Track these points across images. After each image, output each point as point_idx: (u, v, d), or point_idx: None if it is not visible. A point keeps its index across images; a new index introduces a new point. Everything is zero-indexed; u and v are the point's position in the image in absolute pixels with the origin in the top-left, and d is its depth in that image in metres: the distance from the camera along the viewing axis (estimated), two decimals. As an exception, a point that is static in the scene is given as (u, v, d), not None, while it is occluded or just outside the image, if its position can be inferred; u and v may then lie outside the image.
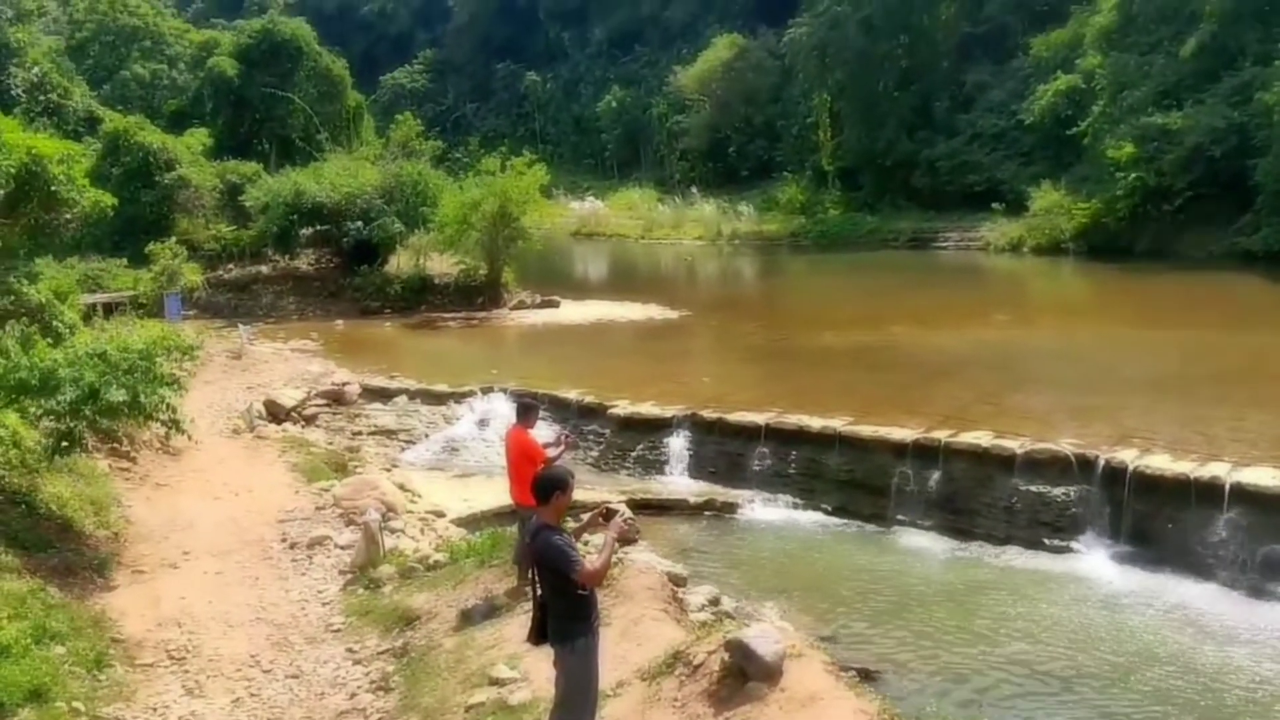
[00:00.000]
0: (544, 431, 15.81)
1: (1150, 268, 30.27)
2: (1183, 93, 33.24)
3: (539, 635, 6.22)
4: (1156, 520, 12.19)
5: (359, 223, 27.48)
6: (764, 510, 14.44)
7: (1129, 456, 12.65)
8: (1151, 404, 15.40)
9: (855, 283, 33.64)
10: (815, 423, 14.99)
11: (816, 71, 48.94)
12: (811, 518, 14.19)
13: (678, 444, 15.95)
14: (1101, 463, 12.74)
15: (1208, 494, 11.78)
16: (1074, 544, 12.57)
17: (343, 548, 11.50)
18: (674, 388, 17.81)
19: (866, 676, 9.09)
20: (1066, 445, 13.21)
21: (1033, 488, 13.06)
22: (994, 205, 39.37)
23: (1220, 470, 11.93)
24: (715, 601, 10.30)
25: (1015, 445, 13.41)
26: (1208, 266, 29.26)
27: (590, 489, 14.44)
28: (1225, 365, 17.84)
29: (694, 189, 53.17)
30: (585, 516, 6.85)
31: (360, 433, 17.55)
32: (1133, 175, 32.08)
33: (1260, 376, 16.84)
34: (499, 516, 12.70)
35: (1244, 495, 11.53)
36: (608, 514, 6.45)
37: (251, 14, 48.80)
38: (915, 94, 46.59)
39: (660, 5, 67.61)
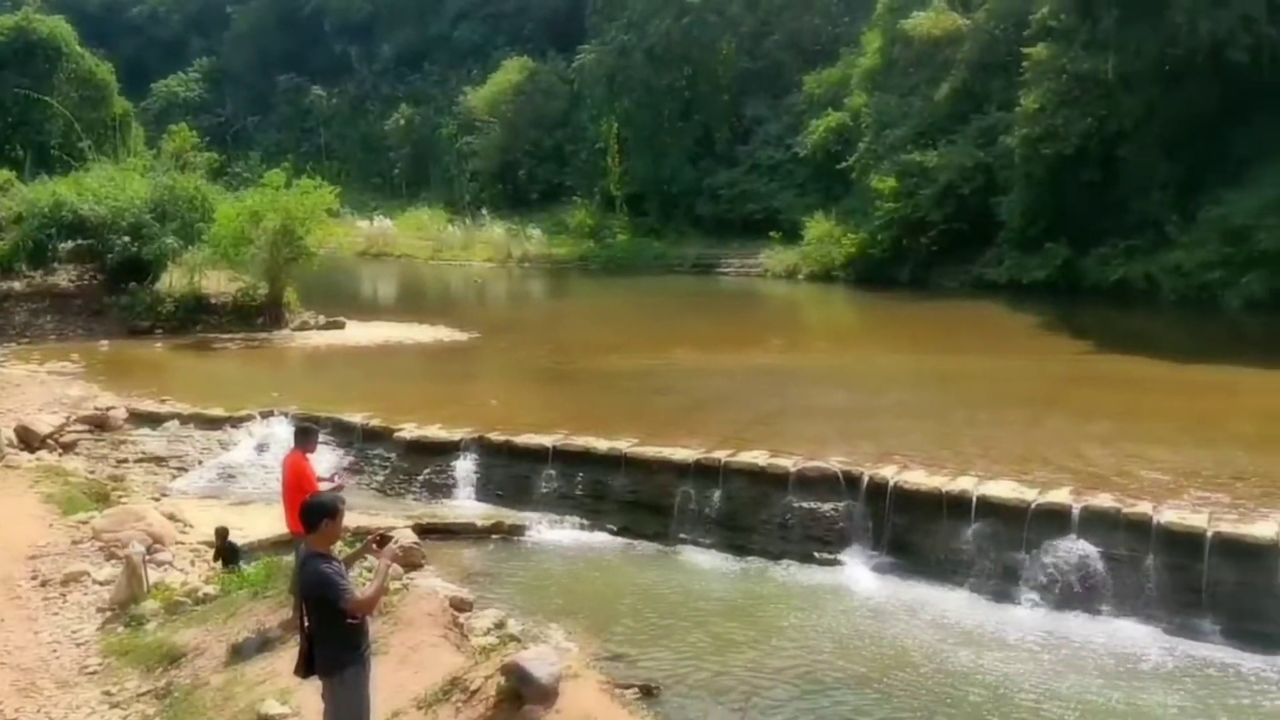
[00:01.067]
0: (327, 456, 15.54)
1: (910, 296, 32.36)
2: (937, 133, 35.71)
3: (307, 667, 6.07)
4: (914, 532, 13.04)
5: (126, 238, 26.07)
6: (551, 532, 14.56)
7: (890, 473, 13.48)
8: (911, 424, 16.43)
9: (642, 307, 34.39)
10: (601, 444, 15.24)
11: (604, 98, 49.87)
12: (598, 538, 14.42)
13: (465, 467, 15.88)
14: (865, 479, 13.52)
15: (957, 506, 12.70)
16: (841, 556, 13.28)
17: (102, 584, 10.91)
18: (462, 410, 17.73)
19: (647, 693, 9.38)
20: (835, 463, 13.94)
21: (805, 504, 13.70)
22: (772, 234, 41.14)
23: (968, 484, 12.90)
24: (501, 625, 10.37)
25: (789, 464, 14.04)
26: (959, 295, 31.56)
27: (375, 514, 14.23)
28: (974, 388, 19.27)
29: (484, 211, 53.05)
30: (368, 539, 6.80)
31: (126, 460, 16.66)
32: (893, 208, 34.22)
33: (1004, 398, 18.27)
34: (277, 545, 12.33)
35: (989, 507, 12.50)
36: (382, 540, 6.37)
37: (3, 9, 45.49)
38: (698, 124, 48.14)
39: (449, 25, 67.09)
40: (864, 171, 37.54)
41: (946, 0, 37.92)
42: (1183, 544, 11.27)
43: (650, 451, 14.91)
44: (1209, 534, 11.13)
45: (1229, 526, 11.18)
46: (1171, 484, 12.68)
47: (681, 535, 14.16)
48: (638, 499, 14.66)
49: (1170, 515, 11.53)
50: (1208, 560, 11.07)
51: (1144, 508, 11.75)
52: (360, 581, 5.96)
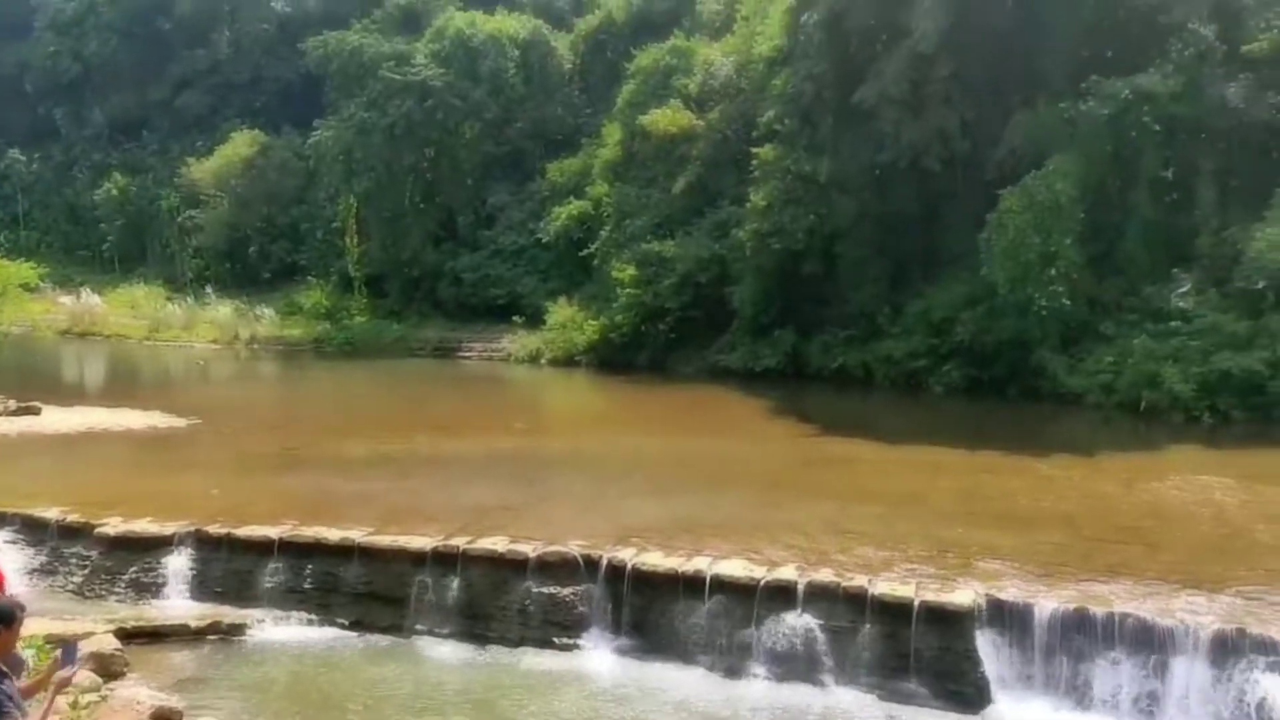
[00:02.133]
0: (13, 556, 14.29)
1: (649, 381, 33.37)
2: (675, 224, 37.26)
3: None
4: (652, 613, 13.36)
5: None
6: (276, 630, 13.93)
7: (628, 555, 13.77)
8: (649, 506, 16.86)
9: (379, 391, 33.74)
10: (333, 534, 14.78)
11: (343, 176, 49.03)
12: (328, 634, 13.92)
13: (179, 563, 14.91)
14: (604, 562, 13.76)
15: (692, 586, 13.14)
16: (581, 641, 13.42)
17: None
18: (177, 502, 16.63)
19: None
20: (575, 547, 14.10)
21: (545, 589, 13.77)
22: (515, 318, 41.53)
23: (703, 564, 13.37)
24: (217, 733, 9.82)
25: (529, 549, 14.09)
26: (696, 380, 32.81)
27: (71, 619, 13.14)
28: (709, 470, 20.02)
29: (209, 289, 50.67)
30: (58, 653, 6.21)
31: None
32: (634, 295, 35.34)
33: (736, 479, 19.10)
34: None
35: (721, 585, 13.01)
36: (64, 652, 5.87)
37: None
38: (441, 207, 48.12)
39: (171, 92, 63.38)
40: (605, 259, 38.60)
41: (682, 99, 39.89)
42: (894, 613, 12.13)
43: (385, 540, 14.60)
44: (916, 603, 12.04)
45: (933, 595, 12.13)
46: (885, 558, 13.60)
47: (418, 626, 13.91)
48: (372, 590, 14.29)
49: (883, 587, 12.38)
50: (915, 628, 11.97)
51: (860, 581, 12.56)
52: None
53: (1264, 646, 11.02)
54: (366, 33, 50.68)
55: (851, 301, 32.11)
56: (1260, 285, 24.49)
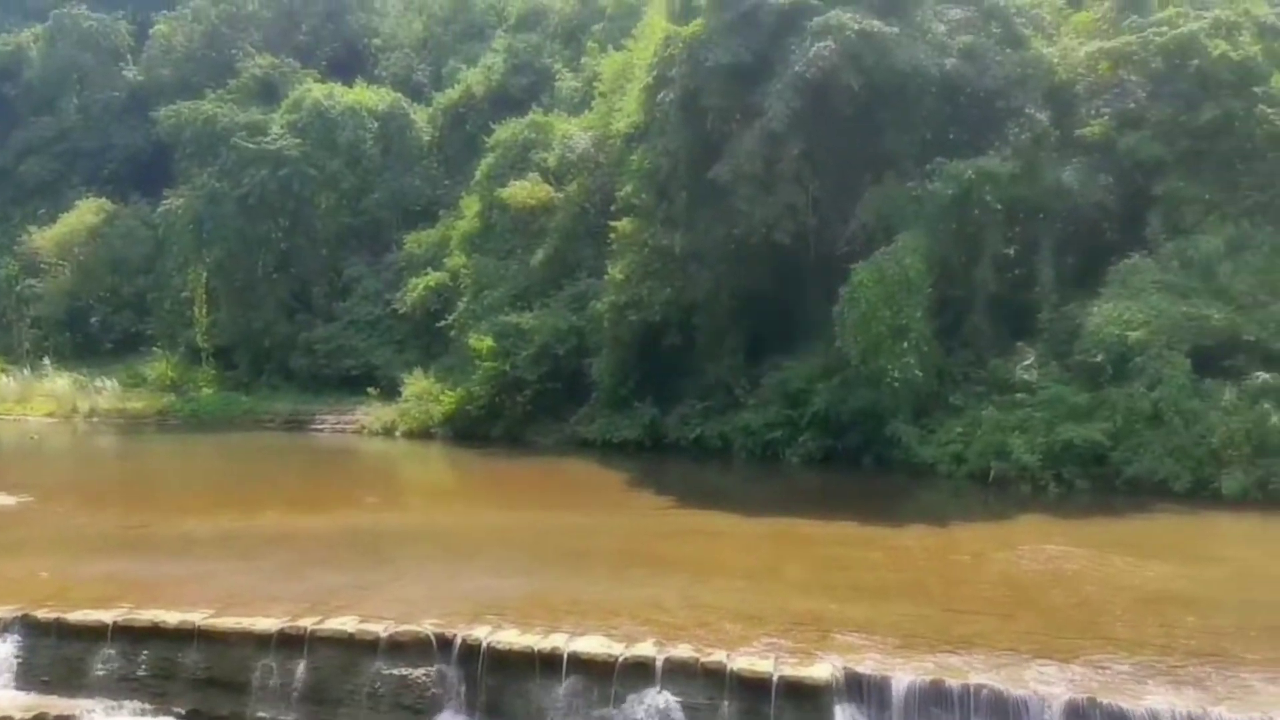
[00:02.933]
0: None
1: (506, 453, 32.91)
2: (533, 296, 37.22)
3: None
4: (507, 693, 12.89)
5: None
6: (107, 720, 13.00)
7: (483, 633, 13.30)
8: (505, 582, 16.42)
9: (226, 466, 32.37)
10: (171, 617, 13.90)
11: (192, 246, 47.57)
12: (162, 724, 13.05)
13: (3, 651, 13.83)
14: (458, 641, 13.26)
15: (549, 664, 12.73)
16: (433, 724, 12.87)
17: None
18: (2, 586, 15.52)
19: None
20: (428, 625, 13.57)
21: (396, 670, 13.17)
22: (369, 390, 40.59)
23: (560, 641, 12.98)
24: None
25: (380, 629, 13.49)
26: (554, 453, 32.53)
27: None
28: (566, 544, 19.67)
29: (47, 360, 48.19)
30: None
31: None
32: (492, 367, 34.96)
33: (594, 553, 18.80)
34: None
35: (579, 663, 12.64)
36: None
37: None
38: (294, 277, 47.04)
39: (14, 159, 61.26)
40: (463, 330, 38.18)
41: (540, 173, 40.09)
42: (753, 689, 11.96)
43: (227, 623, 13.79)
44: (775, 678, 11.91)
45: (791, 670, 12.02)
46: (743, 632, 13.45)
47: (260, 713, 13.13)
48: (211, 676, 13.44)
49: (742, 662, 12.22)
50: (774, 703, 11.82)
51: (719, 656, 12.37)
52: None
53: (1113, 715, 11.22)
54: (221, 102, 49.71)
55: (709, 373, 32.41)
56: (1099, 358, 25.66)
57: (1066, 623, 14.47)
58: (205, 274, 47.59)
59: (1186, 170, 28.77)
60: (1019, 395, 26.67)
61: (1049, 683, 11.79)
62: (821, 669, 12.04)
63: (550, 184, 39.76)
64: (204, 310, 47.68)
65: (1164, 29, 29.86)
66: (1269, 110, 28.53)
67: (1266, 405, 23.83)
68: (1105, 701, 11.34)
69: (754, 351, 32.28)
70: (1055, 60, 31.13)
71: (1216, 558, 19.57)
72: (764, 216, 29.70)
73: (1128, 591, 16.27)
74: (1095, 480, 24.74)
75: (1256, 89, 28.92)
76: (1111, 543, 19.78)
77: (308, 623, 13.68)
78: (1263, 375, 24.41)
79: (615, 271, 33.52)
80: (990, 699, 11.56)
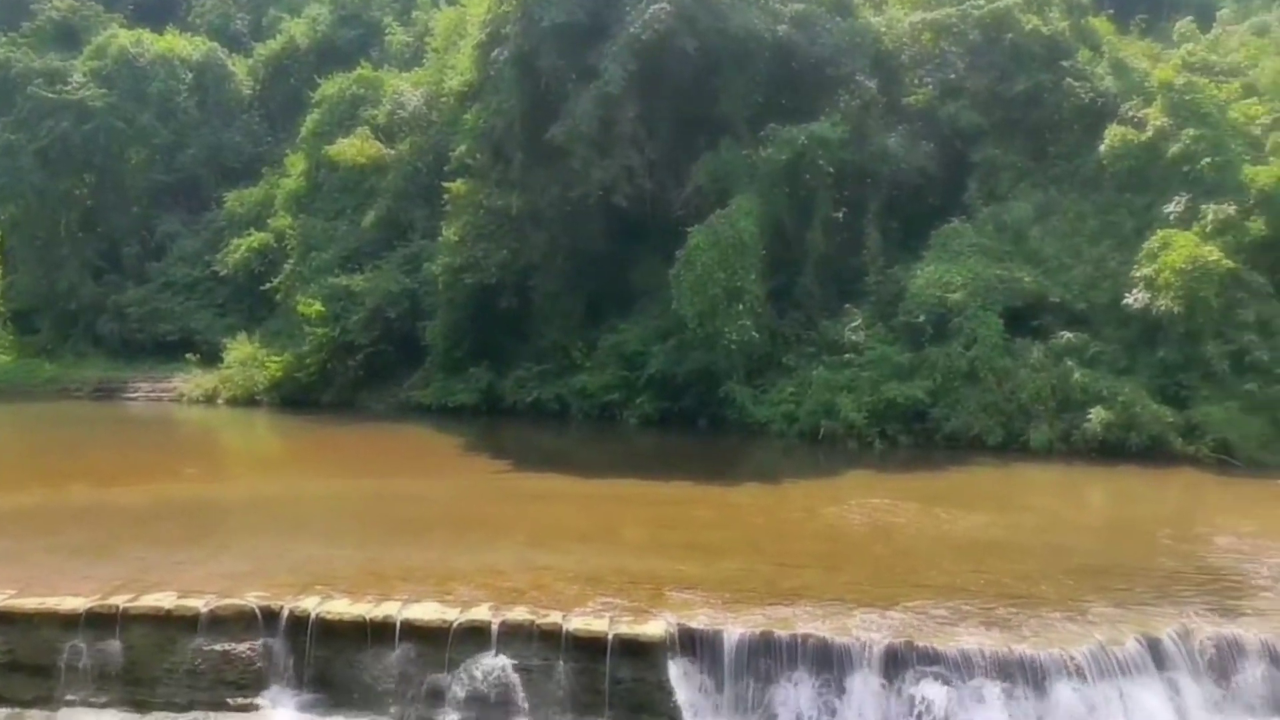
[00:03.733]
0: None
1: (337, 419, 31.99)
2: (364, 258, 36.20)
3: None
4: (337, 664, 12.54)
5: None
6: (-106, 714, 12.08)
7: (311, 604, 12.88)
8: (335, 552, 15.96)
9: (27, 437, 30.49)
10: (-34, 600, 13.02)
11: (-15, 204, 44.39)
12: (-45, 714, 12.20)
13: None
14: (285, 613, 12.81)
15: (381, 633, 12.44)
16: (259, 699, 12.38)
17: None
18: None
19: None
20: (252, 599, 13.07)
21: (218, 646, 12.63)
22: (188, 356, 38.85)
23: (392, 609, 12.70)
24: None
25: (200, 604, 12.91)
26: (387, 418, 31.84)
27: None
28: (399, 511, 19.28)
29: None
30: None
31: None
32: (321, 331, 33.91)
33: (428, 519, 18.47)
34: None
35: (413, 630, 12.41)
36: None
37: None
38: (102, 236, 44.51)
39: None
40: (290, 293, 36.88)
41: (370, 130, 38.91)
42: (588, 649, 12.00)
43: (30, 603, 12.93)
44: (610, 636, 11.97)
45: (626, 628, 12.10)
46: (579, 593, 13.46)
47: (69, 697, 12.39)
48: (14, 660, 12.59)
49: (577, 622, 12.23)
50: (609, 662, 11.89)
51: (555, 617, 12.34)
52: None
53: (929, 658, 11.73)
54: (15, 46, 46.18)
55: (546, 336, 32.26)
56: (920, 319, 26.69)
57: (888, 572, 15.05)
58: (0, 232, 44.44)
59: (1001, 138, 30.12)
60: (847, 356, 27.53)
61: (871, 629, 12.23)
62: (655, 626, 12.16)
63: (380, 142, 38.65)
64: (-1, 272, 44.65)
65: (981, 3, 31.06)
66: (1075, 83, 30.05)
67: (1069, 363, 25.28)
68: (921, 645, 11.85)
69: (591, 314, 32.29)
70: (882, 29, 32.05)
71: (1025, 506, 20.71)
72: (601, 178, 29.63)
73: (945, 540, 17.03)
74: (917, 436, 25.80)
75: (1064, 63, 30.44)
76: (931, 495, 20.67)
77: (120, 600, 12.97)
78: (1066, 334, 25.86)
79: (449, 233, 32.90)
80: (816, 647, 11.92)
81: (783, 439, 26.82)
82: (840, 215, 30.43)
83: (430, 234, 34.68)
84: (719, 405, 28.33)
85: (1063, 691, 11.70)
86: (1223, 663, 12.41)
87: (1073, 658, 11.87)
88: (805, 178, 29.19)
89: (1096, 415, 24.03)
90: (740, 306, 27.68)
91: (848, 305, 28.96)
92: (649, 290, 30.61)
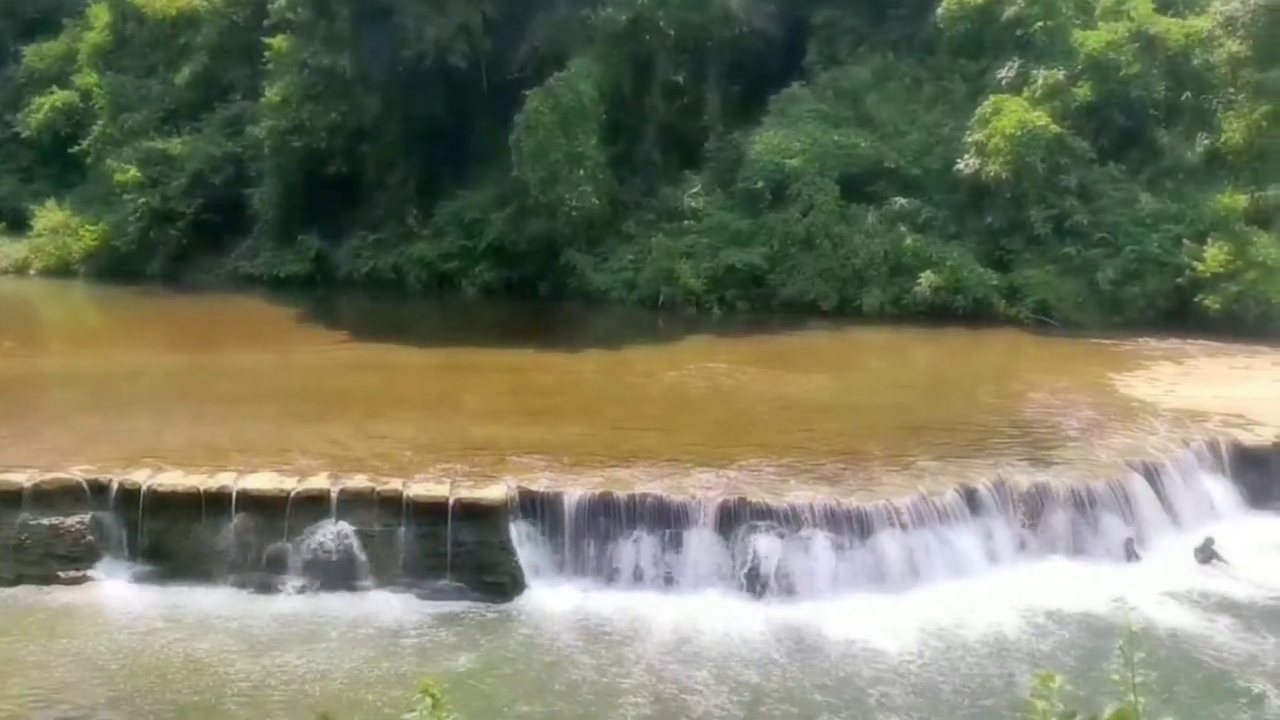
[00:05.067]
0: None
1: (162, 291, 30.53)
2: (181, 120, 34.08)
3: None
4: (172, 535, 12.34)
5: None
6: None
7: (142, 477, 12.60)
8: (165, 425, 15.52)
9: None
10: None
11: None
12: None
13: None
14: (115, 486, 12.50)
15: (216, 504, 12.27)
16: (91, 572, 12.18)
17: None
18: None
19: None
20: (78, 473, 12.67)
21: (44, 521, 12.30)
22: (-7, 224, 36.28)
23: (227, 480, 12.50)
24: None
25: (23, 478, 12.51)
26: (215, 289, 30.51)
27: None
28: (231, 384, 18.74)
29: None
30: None
31: None
32: (140, 199, 32.05)
33: (262, 391, 18.03)
34: None
35: (249, 500, 12.27)
36: None
37: None
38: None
39: None
40: (101, 157, 34.57)
41: (182, -21, 36.23)
42: (430, 513, 12.10)
43: None
44: (451, 501, 12.08)
45: (467, 492, 12.23)
46: (420, 460, 13.47)
47: (-117, 582, 11.86)
48: None
49: (418, 488, 12.28)
50: (451, 525, 12.02)
51: (395, 484, 12.38)
52: None
53: (762, 512, 12.27)
54: None
55: (380, 203, 31.29)
56: (759, 185, 26.92)
57: (725, 433, 15.52)
58: None
59: (841, 1, 30.07)
60: (687, 222, 27.66)
61: (707, 488, 12.68)
62: (496, 490, 12.31)
63: (193, -9, 36.02)
64: None
65: None
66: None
67: (902, 228, 26.01)
68: (754, 500, 12.38)
69: (427, 181, 31.38)
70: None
71: (857, 368, 21.54)
72: (436, 37, 28.45)
73: (779, 401, 17.63)
74: (755, 301, 26.30)
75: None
76: (767, 358, 21.28)
77: (-67, 479, 12.39)
78: (900, 200, 26.53)
79: (273, 94, 31.16)
80: (654, 505, 12.31)
81: (623, 306, 26.99)
82: (680, 79, 30.16)
83: (253, 94, 32.81)
84: (559, 273, 28.21)
85: (886, 540, 12.43)
86: (1032, 509, 13.37)
87: (896, 508, 12.61)
88: (645, 39, 28.71)
89: (926, 279, 24.93)
90: (582, 173, 27.38)
91: (688, 172, 28.97)
92: (487, 156, 29.90)
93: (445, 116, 30.55)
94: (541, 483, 12.64)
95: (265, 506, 12.26)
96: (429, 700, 3.15)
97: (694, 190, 28.24)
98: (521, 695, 9.98)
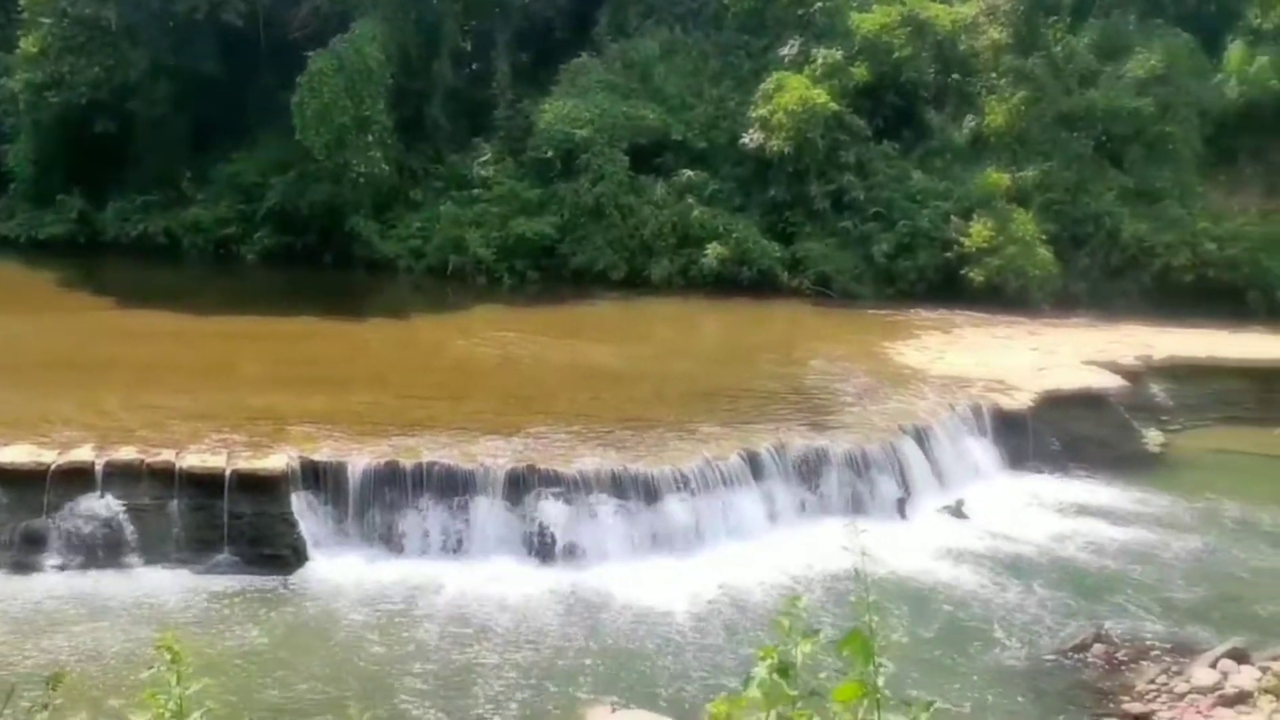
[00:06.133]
0: None
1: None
2: (-81, 68, 31.13)
3: None
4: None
5: None
6: None
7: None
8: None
9: None
10: None
11: None
12: None
13: None
14: None
15: (-34, 480, 11.39)
16: None
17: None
18: None
19: None
20: None
21: None
22: None
23: (-20, 454, 11.61)
24: None
25: None
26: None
27: None
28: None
29: None
30: None
31: None
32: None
33: (19, 361, 16.79)
34: None
35: (3, 474, 11.45)
36: None
37: None
38: None
39: None
40: None
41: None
42: (204, 485, 11.59)
43: None
44: (228, 472, 11.60)
45: (245, 463, 11.76)
46: (194, 430, 12.86)
47: None
48: None
49: (192, 460, 11.73)
50: (227, 498, 11.54)
51: (167, 455, 11.78)
52: None
53: (550, 479, 12.34)
54: None
55: (149, 164, 29.54)
56: (549, 155, 26.87)
57: (514, 402, 15.50)
58: None
59: (631, -29, 30.25)
60: (476, 191, 27.37)
61: (495, 455, 12.64)
62: (276, 460, 11.91)
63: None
64: None
65: None
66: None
67: (690, 200, 26.54)
68: (543, 467, 12.44)
69: (201, 142, 29.83)
70: None
71: (645, 337, 21.90)
72: (209, -10, 26.99)
73: (569, 371, 17.74)
74: (545, 271, 26.32)
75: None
76: (557, 328, 21.35)
77: None
78: (687, 172, 27.06)
79: (28, 44, 28.76)
80: (441, 474, 12.20)
81: (411, 275, 26.51)
82: (468, 45, 29.71)
83: (5, 44, 30.28)
84: (344, 240, 27.39)
85: (672, 503, 12.73)
86: (810, 472, 13.96)
87: (681, 473, 12.91)
88: (433, 3, 28.14)
89: (713, 251, 25.53)
90: (369, 138, 26.63)
91: (477, 139, 28.63)
92: (266, 118, 28.61)
93: (221, 75, 29.10)
94: (324, 452, 12.31)
95: (21, 480, 11.48)
96: (167, 655, 3.03)
97: (483, 158, 27.96)
98: (304, 669, 9.72)
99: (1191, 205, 26.02)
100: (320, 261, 27.47)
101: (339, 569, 11.63)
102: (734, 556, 12.49)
